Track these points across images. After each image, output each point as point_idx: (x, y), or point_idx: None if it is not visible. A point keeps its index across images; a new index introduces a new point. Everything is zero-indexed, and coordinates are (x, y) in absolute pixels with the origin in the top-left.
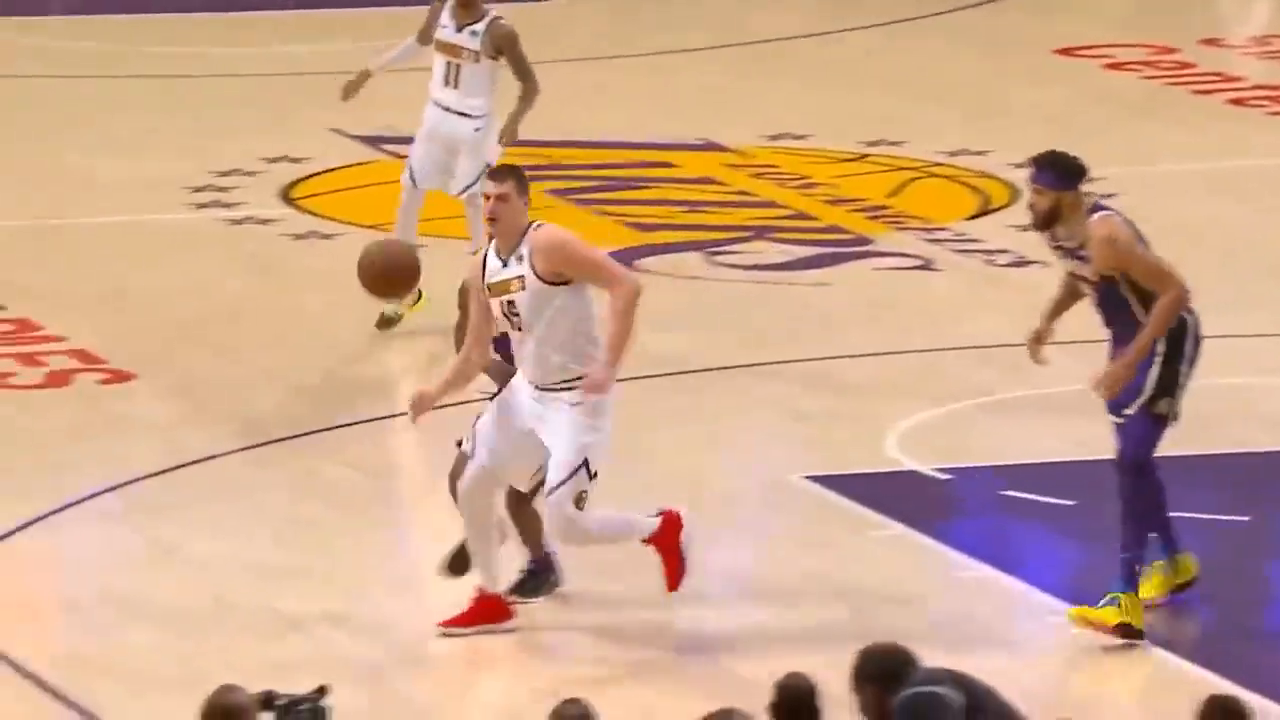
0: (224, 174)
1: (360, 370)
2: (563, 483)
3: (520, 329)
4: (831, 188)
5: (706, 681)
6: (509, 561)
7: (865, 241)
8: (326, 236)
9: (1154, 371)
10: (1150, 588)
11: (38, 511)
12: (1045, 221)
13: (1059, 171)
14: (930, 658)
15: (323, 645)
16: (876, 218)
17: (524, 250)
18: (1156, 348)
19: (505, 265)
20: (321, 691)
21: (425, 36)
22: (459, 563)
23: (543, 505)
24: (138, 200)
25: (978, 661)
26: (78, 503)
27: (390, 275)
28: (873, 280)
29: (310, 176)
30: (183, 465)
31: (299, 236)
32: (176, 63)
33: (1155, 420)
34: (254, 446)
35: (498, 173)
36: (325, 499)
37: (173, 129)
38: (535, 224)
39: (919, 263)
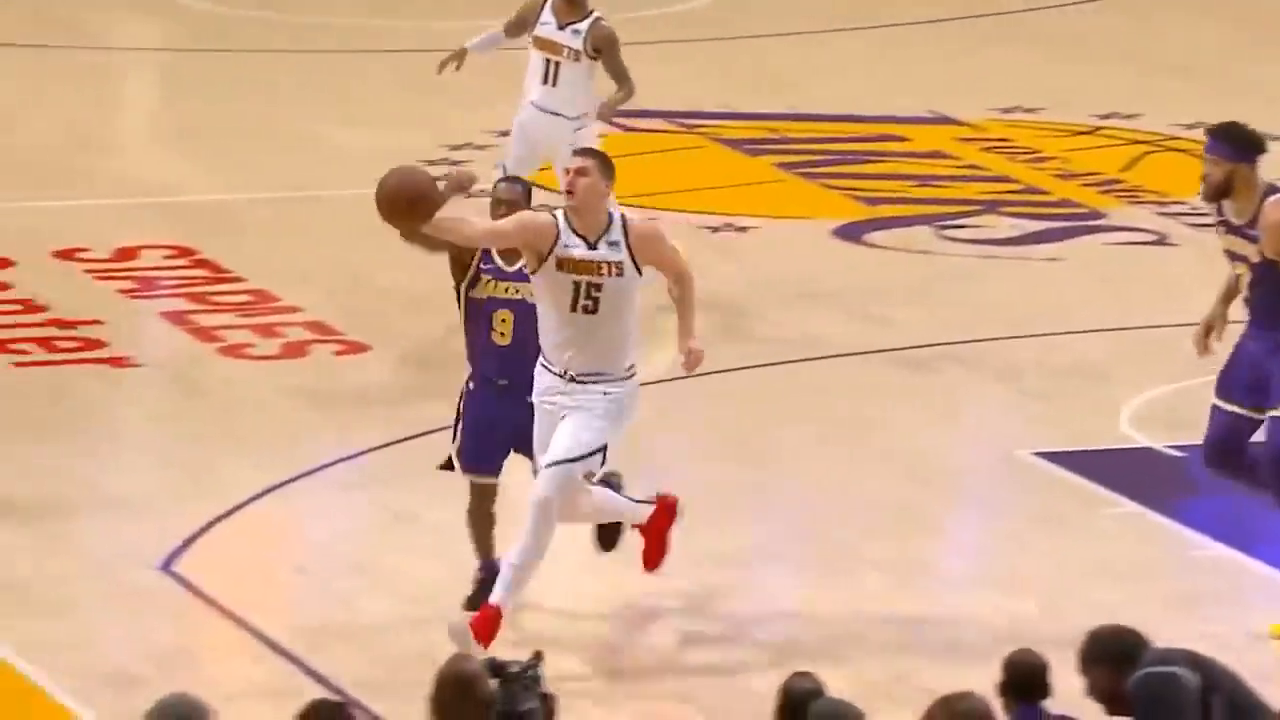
0: (456, 147)
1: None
2: (579, 458)
3: (591, 311)
4: (1063, 161)
5: (944, 656)
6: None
7: (1098, 216)
8: (555, 210)
9: None
10: None
11: (275, 480)
12: (1217, 194)
13: (1236, 143)
14: (1164, 637)
15: (554, 616)
16: (1109, 192)
17: (618, 236)
18: None
19: (594, 247)
20: (538, 657)
21: (513, 30)
22: (607, 537)
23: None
24: (374, 173)
25: (1211, 642)
26: (314, 472)
27: (405, 198)
28: (1105, 255)
29: None
30: (416, 435)
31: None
32: (410, 38)
33: None
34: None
35: (581, 151)
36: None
37: (407, 103)
38: (622, 212)
39: (1153, 238)
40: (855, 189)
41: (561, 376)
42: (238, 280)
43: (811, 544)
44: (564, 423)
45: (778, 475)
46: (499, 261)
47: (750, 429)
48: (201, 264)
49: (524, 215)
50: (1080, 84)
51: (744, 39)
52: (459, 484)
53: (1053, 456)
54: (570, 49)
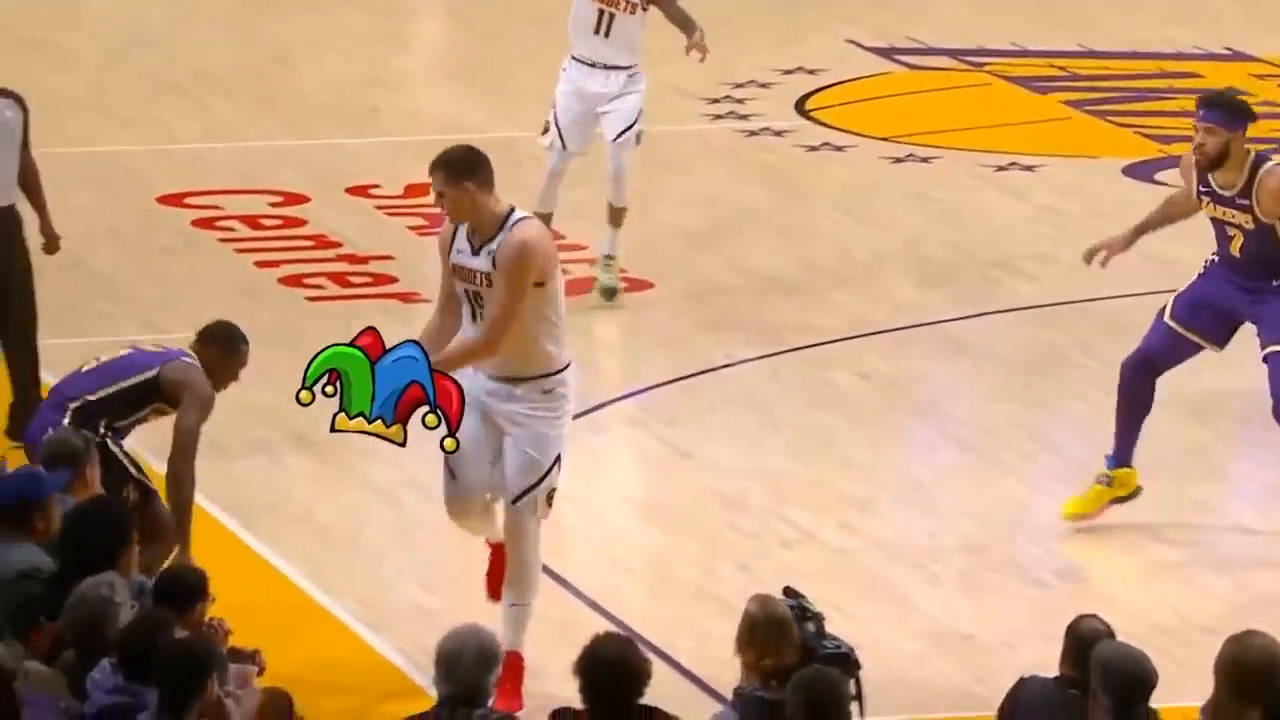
0: (740, 85)
1: (872, 284)
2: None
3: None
4: None
5: None
6: None
7: None
8: (839, 148)
9: None
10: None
11: None
12: (1215, 162)
13: (1231, 112)
14: None
15: (828, 553)
16: None
17: (496, 245)
18: None
19: (476, 254)
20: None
21: None
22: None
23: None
24: (657, 112)
25: None
26: (599, 408)
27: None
28: None
29: (824, 88)
30: (698, 373)
31: (812, 148)
32: None
33: None
34: (768, 355)
35: (432, 165)
36: (836, 408)
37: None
38: (517, 217)
39: None
40: (1146, 127)
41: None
42: None
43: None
44: (510, 446)
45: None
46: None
47: (1045, 365)
48: None
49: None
50: None
51: None
52: (739, 422)
53: None
54: (627, 1)
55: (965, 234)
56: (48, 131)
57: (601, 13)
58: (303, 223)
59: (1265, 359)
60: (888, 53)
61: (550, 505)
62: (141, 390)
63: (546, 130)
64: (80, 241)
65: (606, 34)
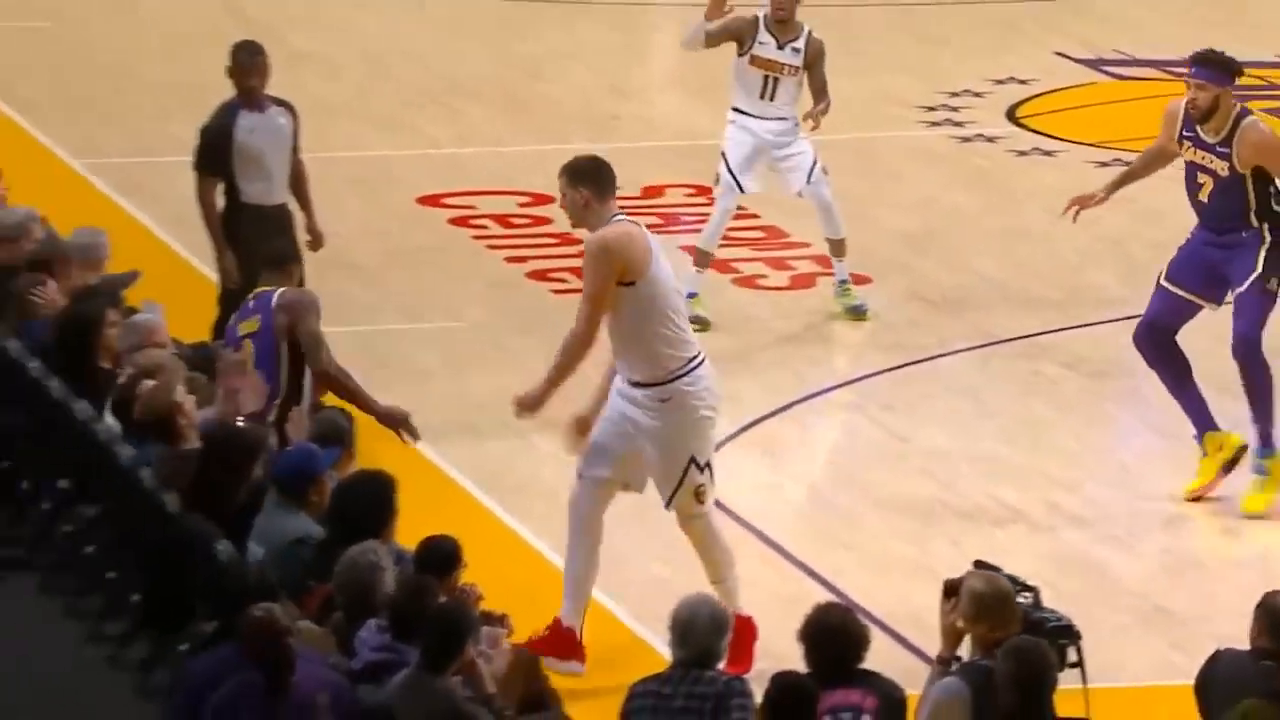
0: (955, 94)
1: (1078, 280)
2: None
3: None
4: None
5: None
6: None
7: None
8: (1048, 154)
9: (1263, 253)
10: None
11: (783, 402)
12: (1206, 116)
13: (1219, 68)
14: None
15: (1037, 531)
16: None
17: None
18: (1265, 233)
19: None
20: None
21: (717, 39)
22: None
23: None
24: (876, 119)
25: None
26: (819, 394)
27: None
28: None
29: (1035, 97)
30: (913, 363)
31: (1022, 153)
32: None
33: (1266, 297)
34: (979, 347)
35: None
36: (1045, 397)
37: (904, 50)
38: (614, 219)
39: None
40: None
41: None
42: (752, 216)
43: None
44: (645, 451)
45: None
46: None
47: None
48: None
49: None
50: None
51: None
52: (952, 409)
53: None
54: (790, 66)
55: (1167, 233)
56: (317, 138)
57: (766, 78)
58: (549, 221)
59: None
60: (1095, 64)
61: (702, 501)
62: None
63: (718, 181)
64: (348, 239)
65: (771, 98)
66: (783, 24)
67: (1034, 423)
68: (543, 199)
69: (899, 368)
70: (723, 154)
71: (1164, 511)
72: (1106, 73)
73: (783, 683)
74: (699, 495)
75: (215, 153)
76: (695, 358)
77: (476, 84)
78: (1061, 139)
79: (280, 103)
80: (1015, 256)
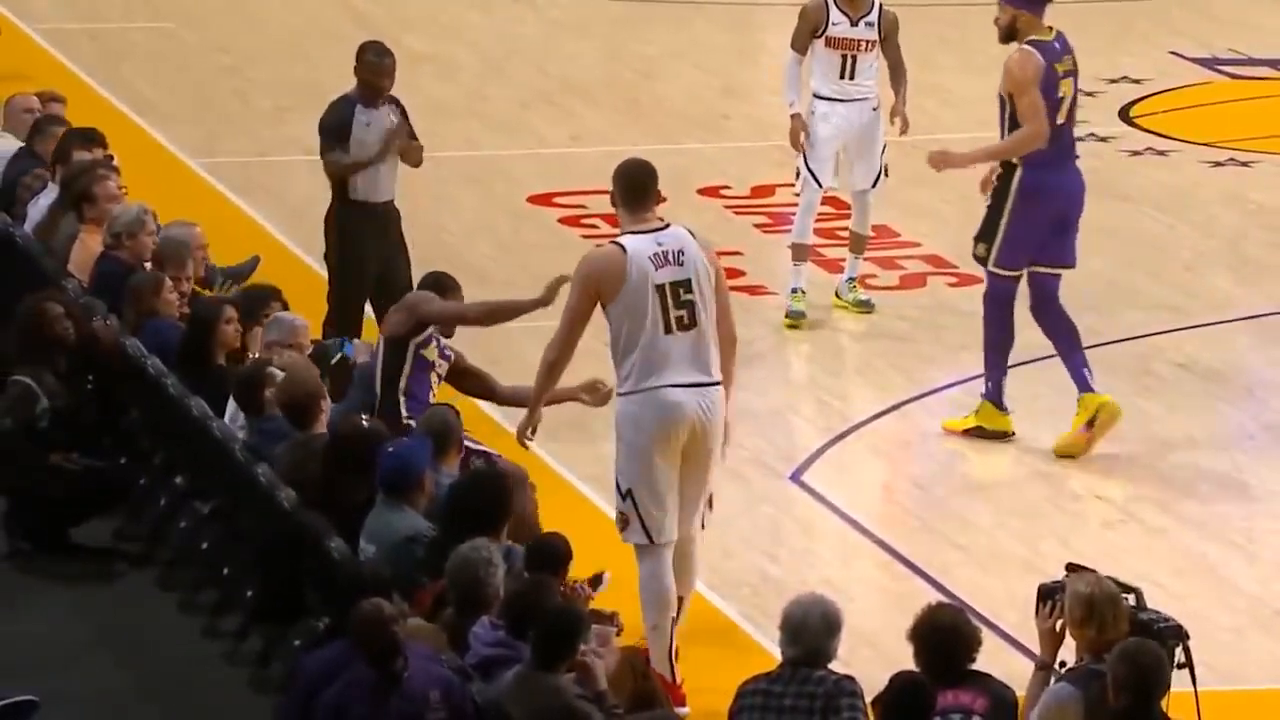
0: None
1: (1192, 280)
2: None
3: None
4: None
5: None
6: None
7: None
8: (1161, 153)
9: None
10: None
11: (895, 400)
12: (1005, 37)
13: None
14: None
15: (1148, 532)
16: None
17: None
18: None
19: None
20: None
21: (802, 45)
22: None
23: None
24: (988, 118)
25: None
26: (930, 393)
27: None
28: None
29: (1148, 96)
30: (1026, 362)
31: (1135, 153)
32: None
33: (977, 261)
34: (1093, 346)
35: None
36: (1158, 396)
37: None
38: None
39: None
40: None
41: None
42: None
43: None
44: None
45: None
46: None
47: None
48: (828, 200)
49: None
50: None
51: None
52: (1063, 408)
53: None
54: (866, 41)
55: None
56: (431, 137)
57: (845, 57)
58: None
59: None
60: (1210, 63)
61: (621, 529)
62: None
63: (798, 175)
64: (460, 236)
65: (852, 75)
66: (853, 1)
67: (1146, 422)
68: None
69: (1010, 367)
70: (801, 153)
71: (1279, 513)
72: (1221, 72)
73: (901, 682)
74: (619, 520)
75: (337, 134)
76: (651, 387)
77: (589, 84)
78: (1175, 139)
79: (391, 99)
80: (1128, 256)
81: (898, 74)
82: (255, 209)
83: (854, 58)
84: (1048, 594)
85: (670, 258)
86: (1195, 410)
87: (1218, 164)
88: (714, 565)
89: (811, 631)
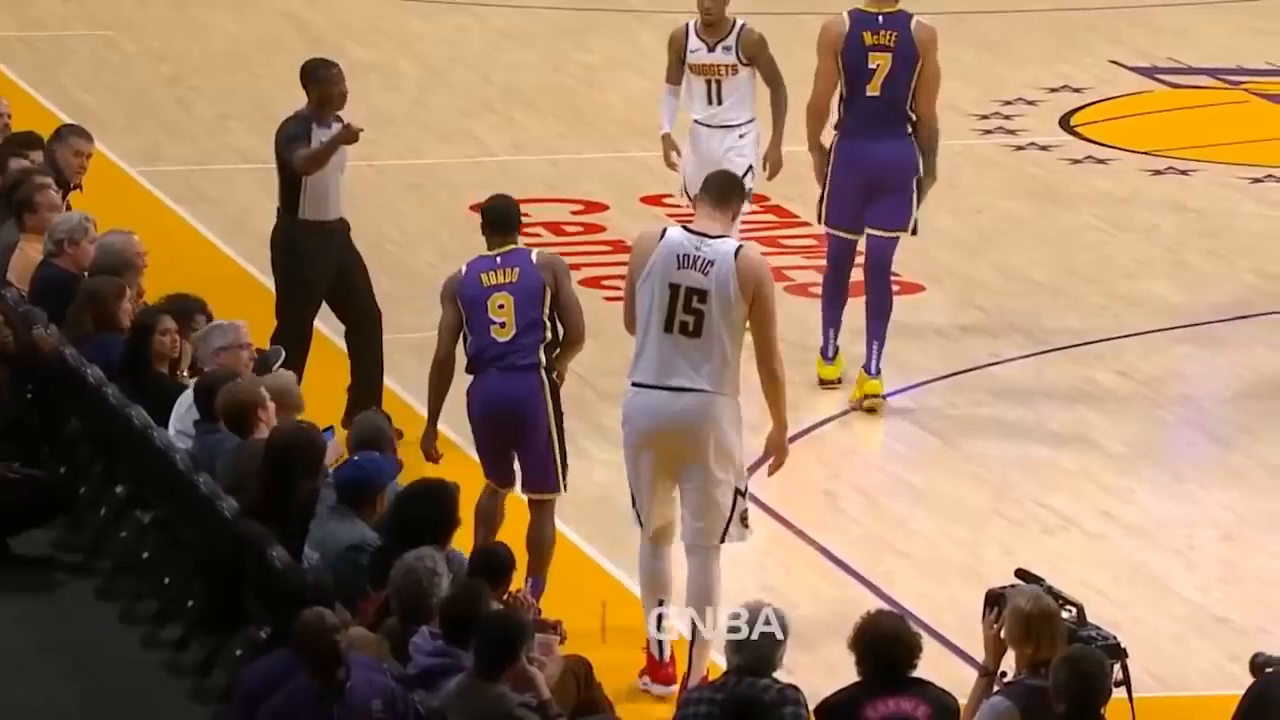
0: (1009, 103)
1: (1133, 289)
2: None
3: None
4: None
5: None
6: None
7: None
8: (1101, 161)
9: None
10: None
11: (838, 408)
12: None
13: None
14: None
15: (1089, 539)
16: None
17: None
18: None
19: None
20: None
21: (676, 76)
22: None
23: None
24: None
25: None
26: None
27: None
28: None
29: (1088, 105)
30: (967, 370)
31: (1076, 161)
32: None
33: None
34: (1032, 355)
35: None
36: (1098, 404)
37: (962, 60)
38: None
39: None
40: None
41: None
42: (803, 225)
43: None
44: None
45: None
46: None
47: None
48: (772, 210)
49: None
50: None
51: None
52: (1005, 416)
53: None
54: (726, 66)
55: (1221, 242)
56: (375, 145)
57: (709, 82)
58: (602, 229)
59: None
60: (1149, 72)
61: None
62: None
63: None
64: (402, 245)
65: (719, 101)
66: (711, 26)
67: (1087, 430)
68: (595, 207)
69: (952, 375)
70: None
71: (1219, 520)
72: (1161, 81)
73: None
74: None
75: (299, 140)
76: (636, 383)
77: (531, 93)
78: (1115, 147)
79: (338, 119)
80: (1068, 264)
81: (775, 99)
82: (196, 218)
83: (718, 83)
84: (995, 600)
85: (699, 265)
86: (1135, 418)
87: (1158, 172)
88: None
89: (757, 640)
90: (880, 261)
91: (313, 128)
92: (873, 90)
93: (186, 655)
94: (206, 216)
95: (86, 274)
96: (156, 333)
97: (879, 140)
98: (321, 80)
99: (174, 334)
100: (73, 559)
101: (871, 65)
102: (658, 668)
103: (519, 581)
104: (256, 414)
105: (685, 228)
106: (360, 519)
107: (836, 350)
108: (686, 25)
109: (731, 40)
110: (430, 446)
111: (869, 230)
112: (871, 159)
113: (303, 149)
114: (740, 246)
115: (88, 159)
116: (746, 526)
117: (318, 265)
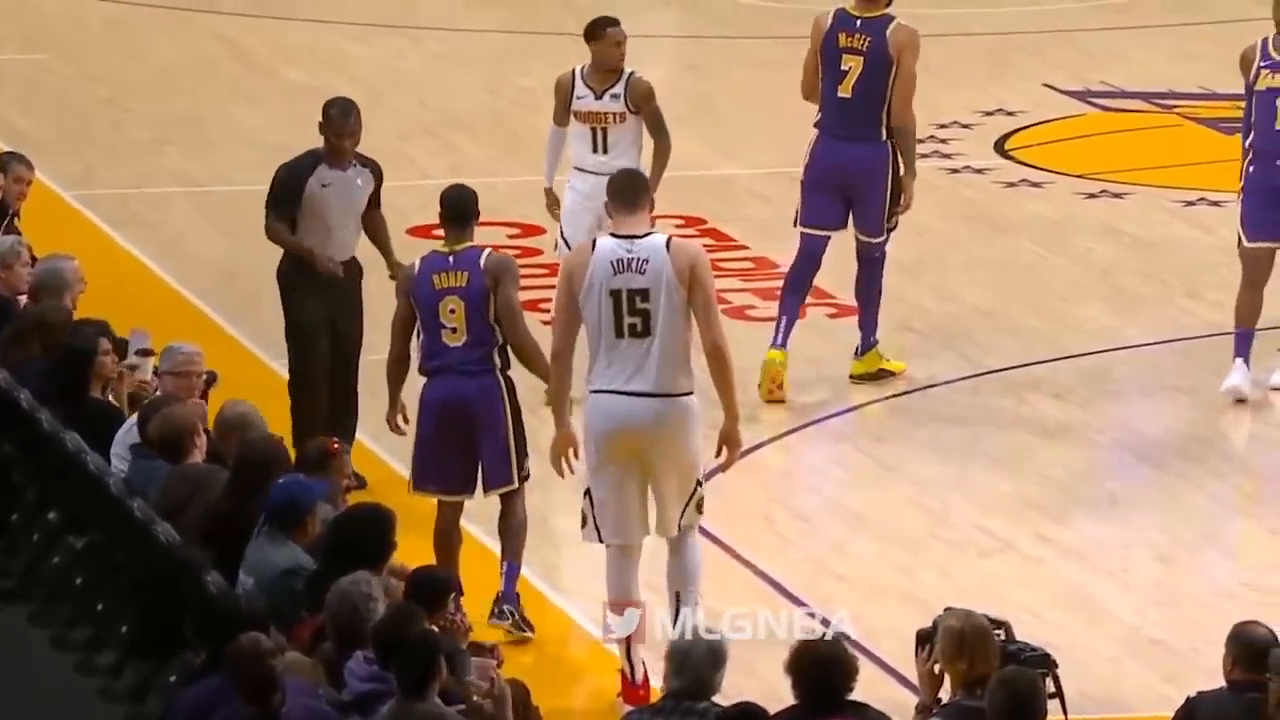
0: (943, 126)
1: (1067, 311)
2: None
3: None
4: None
5: None
6: None
7: None
8: (1036, 185)
9: None
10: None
11: (775, 432)
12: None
13: None
14: None
15: (1025, 562)
16: None
17: None
18: None
19: None
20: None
21: (562, 118)
22: None
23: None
24: None
25: None
26: (810, 424)
27: None
28: None
29: (1023, 129)
30: (905, 393)
31: (1010, 185)
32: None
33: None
34: (969, 377)
35: None
36: (1034, 427)
37: None
38: None
39: None
40: None
41: None
42: (742, 248)
43: None
44: None
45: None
46: None
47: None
48: (709, 233)
49: None
50: None
51: (1218, 23)
52: (942, 439)
53: None
54: (614, 114)
55: (1155, 265)
56: None
57: (594, 130)
58: (539, 252)
59: None
60: (1083, 95)
61: (581, 528)
62: None
63: (556, 247)
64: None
65: (604, 149)
66: (601, 73)
67: (1023, 453)
68: (533, 230)
69: (889, 398)
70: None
71: (1154, 542)
72: (1094, 104)
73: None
74: (581, 519)
75: (285, 196)
76: (597, 390)
77: (469, 116)
78: (1050, 170)
79: (366, 162)
80: (1004, 287)
81: (658, 149)
82: (130, 242)
83: (603, 130)
84: (925, 638)
85: (634, 266)
86: (1071, 441)
87: (1092, 195)
88: (597, 597)
89: (696, 663)
90: (862, 258)
91: (319, 169)
92: (844, 92)
93: (120, 682)
94: (141, 240)
95: (24, 298)
96: (99, 354)
97: (848, 142)
98: (329, 124)
99: (114, 355)
100: (5, 585)
101: (844, 67)
102: (631, 690)
103: (494, 569)
104: (191, 441)
105: (613, 234)
106: (293, 541)
107: (785, 340)
108: (574, 71)
109: (620, 88)
110: (394, 419)
111: (855, 231)
112: (840, 160)
113: (284, 209)
114: (670, 237)
115: (28, 186)
116: (700, 512)
117: (305, 305)
